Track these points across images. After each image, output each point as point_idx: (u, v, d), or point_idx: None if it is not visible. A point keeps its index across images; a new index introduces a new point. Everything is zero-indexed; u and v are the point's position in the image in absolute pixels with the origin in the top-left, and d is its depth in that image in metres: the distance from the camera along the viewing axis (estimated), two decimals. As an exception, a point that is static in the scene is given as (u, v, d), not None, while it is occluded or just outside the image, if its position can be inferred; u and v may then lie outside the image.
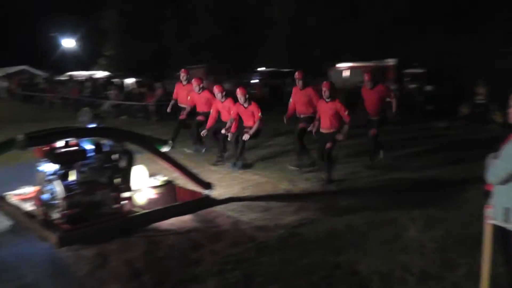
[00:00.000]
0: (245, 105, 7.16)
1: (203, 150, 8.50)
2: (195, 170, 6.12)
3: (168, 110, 9.31)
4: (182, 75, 8.83)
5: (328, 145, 6.21)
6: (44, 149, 4.64)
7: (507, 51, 14.94)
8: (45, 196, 4.57)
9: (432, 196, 5.57)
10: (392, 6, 20.68)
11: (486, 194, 2.86)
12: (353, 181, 6.43)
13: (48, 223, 4.45)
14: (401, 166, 7.21)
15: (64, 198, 4.40)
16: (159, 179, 5.81)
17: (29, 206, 4.98)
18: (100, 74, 28.02)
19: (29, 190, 5.40)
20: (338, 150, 6.78)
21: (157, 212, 4.96)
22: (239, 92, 7.13)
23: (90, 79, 24.70)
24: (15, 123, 9.50)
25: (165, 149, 5.93)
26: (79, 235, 4.31)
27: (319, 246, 4.11)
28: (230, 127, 7.26)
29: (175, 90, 9.06)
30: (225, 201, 5.49)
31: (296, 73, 7.22)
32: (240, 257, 3.89)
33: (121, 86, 20.99)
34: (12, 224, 4.86)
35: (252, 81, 21.94)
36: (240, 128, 7.29)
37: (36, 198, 4.78)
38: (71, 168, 4.65)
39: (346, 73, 17.42)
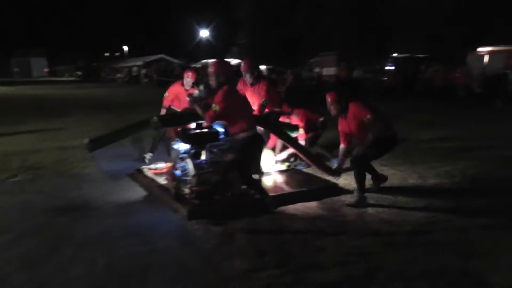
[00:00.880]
0: None
1: None
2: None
3: None
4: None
5: None
6: (178, 129, 5.00)
7: None
8: (178, 172, 4.91)
9: None
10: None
11: None
12: (487, 180, 5.88)
13: (179, 197, 4.74)
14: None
15: (195, 175, 4.69)
16: (285, 164, 5.88)
17: (162, 180, 5.37)
18: (233, 61, 29.10)
19: (163, 165, 5.87)
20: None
21: (283, 196, 5.00)
22: None
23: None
24: (152, 106, 10.32)
25: (294, 134, 6.01)
26: (208, 210, 4.53)
27: (447, 248, 3.79)
28: None
29: None
30: (352, 191, 5.33)
31: None
32: (364, 250, 3.74)
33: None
34: (147, 195, 5.28)
35: (386, 68, 21.17)
36: None
37: (169, 173, 5.16)
38: (202, 148, 4.91)
39: (486, 58, 15.95)
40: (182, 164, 4.91)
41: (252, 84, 5.91)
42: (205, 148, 4.93)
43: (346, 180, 5.65)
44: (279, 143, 6.35)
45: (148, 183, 5.51)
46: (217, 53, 39.26)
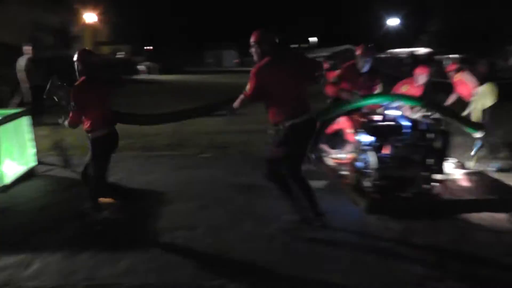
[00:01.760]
0: None
1: None
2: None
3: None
4: None
5: None
6: (362, 120, 4.92)
7: None
8: (359, 164, 4.85)
9: None
10: None
11: None
12: None
13: (359, 189, 4.70)
14: None
15: (376, 169, 4.58)
16: (470, 167, 5.38)
17: (343, 170, 5.38)
18: (422, 50, 27.40)
19: (345, 155, 5.87)
20: None
21: (468, 202, 4.57)
22: None
23: (411, 55, 24.52)
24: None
25: (477, 134, 5.54)
26: (388, 206, 4.40)
27: None
28: None
29: None
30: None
31: None
32: None
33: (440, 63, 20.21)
34: (327, 183, 5.35)
35: None
36: None
37: (351, 164, 5.14)
38: (386, 142, 4.76)
39: None
40: (365, 156, 4.84)
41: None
42: (389, 141, 4.78)
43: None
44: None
45: (330, 172, 5.58)
46: (405, 42, 37.49)
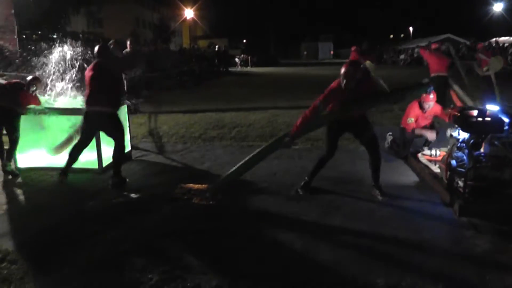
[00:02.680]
0: None
1: None
2: None
3: None
4: None
5: None
6: (456, 115, 4.62)
7: None
8: (453, 162, 4.58)
9: None
10: None
11: None
12: None
13: (451, 189, 4.46)
14: None
15: (471, 168, 4.30)
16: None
17: (436, 168, 5.14)
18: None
19: (438, 152, 5.60)
20: None
21: None
22: None
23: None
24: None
25: None
26: (481, 209, 4.12)
27: None
28: None
29: None
30: None
31: None
32: None
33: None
34: (418, 181, 5.15)
35: None
36: None
37: (444, 162, 4.87)
38: (483, 139, 4.46)
39: None
40: (459, 154, 4.57)
41: None
42: (487, 139, 4.46)
43: None
44: None
45: (421, 169, 5.37)
46: (511, 29, 34.55)
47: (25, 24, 20.39)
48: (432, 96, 5.71)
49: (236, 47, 49.23)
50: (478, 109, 4.50)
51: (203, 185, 4.96)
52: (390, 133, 6.57)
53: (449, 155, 4.70)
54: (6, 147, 5.73)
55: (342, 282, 3.04)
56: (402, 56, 41.36)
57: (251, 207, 4.49)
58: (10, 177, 5.58)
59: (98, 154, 5.67)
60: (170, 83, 18.85)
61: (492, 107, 4.68)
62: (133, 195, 4.91)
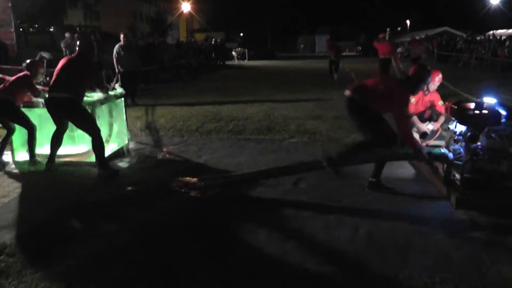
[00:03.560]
0: None
1: None
2: None
3: None
4: None
5: None
6: (454, 108, 4.63)
7: None
8: (450, 155, 4.59)
9: None
10: None
11: None
12: None
13: (448, 182, 4.47)
14: None
15: (468, 161, 4.31)
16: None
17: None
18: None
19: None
20: None
21: None
22: None
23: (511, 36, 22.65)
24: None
25: None
26: (478, 202, 4.14)
27: None
28: None
29: None
30: None
31: None
32: None
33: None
34: (415, 174, 5.17)
35: None
36: None
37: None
38: (480, 132, 4.46)
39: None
40: (456, 146, 4.58)
41: None
42: (483, 131, 4.46)
43: None
44: None
45: (418, 162, 5.37)
46: (508, 21, 34.53)
47: (22, 17, 20.30)
48: (440, 76, 5.64)
49: (233, 40, 49.07)
50: (475, 102, 4.51)
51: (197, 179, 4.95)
52: None
53: (446, 148, 4.72)
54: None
55: (339, 274, 3.05)
56: (399, 49, 41.27)
57: (249, 200, 4.49)
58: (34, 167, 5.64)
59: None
60: (167, 76, 18.82)
61: (489, 100, 4.68)
62: (130, 188, 4.90)
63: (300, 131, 7.63)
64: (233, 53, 36.81)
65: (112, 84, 6.48)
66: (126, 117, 6.51)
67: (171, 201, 4.49)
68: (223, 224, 3.92)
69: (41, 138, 5.73)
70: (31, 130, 5.58)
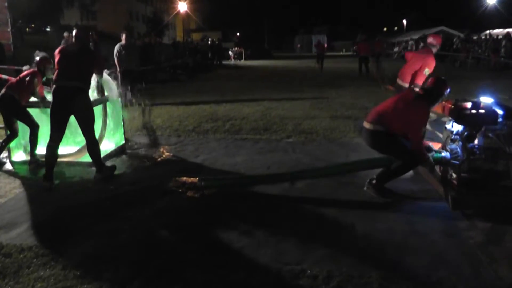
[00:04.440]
0: None
1: None
2: None
3: None
4: None
5: None
6: (450, 107, 4.63)
7: None
8: (447, 155, 4.60)
9: None
10: None
11: None
12: None
13: (445, 181, 4.47)
14: None
15: (465, 161, 4.32)
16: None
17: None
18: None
19: (432, 145, 5.58)
20: None
21: None
22: None
23: (507, 36, 22.71)
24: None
25: None
26: (475, 201, 4.14)
27: None
28: None
29: None
30: None
31: None
32: None
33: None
34: (412, 173, 5.15)
35: None
36: None
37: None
38: (477, 131, 4.47)
39: None
40: (453, 146, 4.58)
41: None
42: (480, 131, 4.47)
43: None
44: None
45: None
46: (505, 21, 34.64)
47: (19, 17, 20.23)
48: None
49: (229, 40, 49.07)
50: (472, 101, 4.51)
51: (197, 178, 4.95)
52: None
53: (443, 147, 4.72)
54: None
55: (335, 274, 3.05)
56: (395, 49, 41.44)
57: (246, 200, 4.48)
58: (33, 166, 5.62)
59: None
60: (164, 76, 18.79)
61: (486, 99, 4.68)
62: (127, 188, 4.89)
63: (297, 131, 7.63)
64: (230, 52, 36.81)
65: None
66: (123, 117, 6.49)
67: (168, 201, 4.49)
68: (220, 224, 3.92)
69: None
70: (34, 129, 5.57)
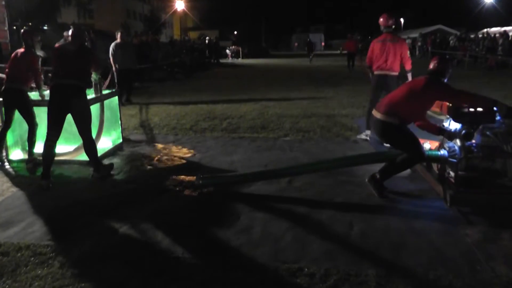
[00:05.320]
0: None
1: None
2: None
3: None
4: None
5: None
6: (448, 105, 4.62)
7: None
8: (444, 153, 4.61)
9: None
10: None
11: None
12: None
13: (442, 179, 4.48)
14: None
15: (462, 159, 4.33)
16: None
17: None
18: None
19: (429, 144, 5.59)
20: None
21: None
22: None
23: (504, 35, 22.75)
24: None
25: None
26: (471, 199, 4.15)
27: None
28: None
29: None
30: None
31: None
32: None
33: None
34: (409, 171, 5.16)
35: None
36: None
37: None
38: (475, 130, 4.47)
39: None
40: (451, 144, 4.59)
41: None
42: (478, 129, 4.47)
43: None
44: None
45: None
46: (502, 20, 34.73)
47: (16, 15, 20.14)
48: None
49: (227, 39, 49.01)
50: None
51: (194, 177, 4.94)
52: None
53: (441, 145, 4.73)
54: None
55: (333, 272, 3.05)
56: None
57: (243, 199, 4.48)
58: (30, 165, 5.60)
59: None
60: (161, 74, 18.76)
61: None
62: (124, 187, 4.88)
63: (294, 129, 7.63)
64: (227, 51, 36.81)
65: (106, 83, 6.42)
66: (120, 116, 6.48)
67: (165, 199, 4.48)
68: (217, 222, 3.91)
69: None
70: (34, 127, 5.55)
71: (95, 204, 4.40)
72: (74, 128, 5.10)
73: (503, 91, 11.33)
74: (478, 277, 3.00)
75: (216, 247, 3.48)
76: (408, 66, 6.64)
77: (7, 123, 5.63)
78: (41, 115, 5.65)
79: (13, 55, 5.63)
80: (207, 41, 28.53)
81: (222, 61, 30.42)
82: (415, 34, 39.20)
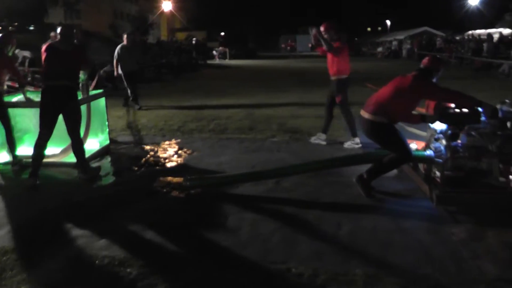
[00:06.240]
0: None
1: None
2: None
3: None
4: None
5: None
6: (435, 106, 4.67)
7: None
8: (430, 153, 4.65)
9: None
10: None
11: None
12: None
13: (429, 179, 4.53)
14: None
15: (448, 159, 4.38)
16: None
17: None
18: (506, 31, 25.51)
19: (415, 145, 5.64)
20: None
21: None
22: None
23: (489, 37, 23.03)
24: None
25: None
26: (458, 198, 4.20)
27: None
28: None
29: None
30: None
31: None
32: None
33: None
34: (396, 172, 5.20)
35: None
36: None
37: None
38: (461, 130, 4.53)
39: None
40: (437, 144, 4.64)
41: None
42: (464, 130, 4.53)
43: None
44: None
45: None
46: (487, 22, 35.16)
47: (2, 15, 19.91)
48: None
49: (214, 40, 48.93)
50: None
51: (182, 178, 4.92)
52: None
53: (427, 146, 4.77)
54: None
55: (321, 272, 3.06)
56: (379, 49, 41.91)
57: (231, 199, 4.47)
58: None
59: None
60: (148, 75, 18.66)
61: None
62: (112, 189, 4.85)
63: (281, 130, 7.65)
64: (214, 52, 36.74)
65: (93, 84, 6.36)
66: (107, 117, 6.43)
67: (153, 201, 4.46)
68: (206, 224, 3.91)
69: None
70: (10, 129, 5.46)
71: (83, 206, 4.37)
72: (59, 130, 5.04)
73: (488, 92, 11.47)
74: (464, 275, 3.03)
75: (205, 248, 3.47)
76: None
77: None
78: (17, 118, 5.60)
79: None
80: (194, 42, 28.47)
81: (209, 62, 30.37)
82: (401, 36, 39.58)
